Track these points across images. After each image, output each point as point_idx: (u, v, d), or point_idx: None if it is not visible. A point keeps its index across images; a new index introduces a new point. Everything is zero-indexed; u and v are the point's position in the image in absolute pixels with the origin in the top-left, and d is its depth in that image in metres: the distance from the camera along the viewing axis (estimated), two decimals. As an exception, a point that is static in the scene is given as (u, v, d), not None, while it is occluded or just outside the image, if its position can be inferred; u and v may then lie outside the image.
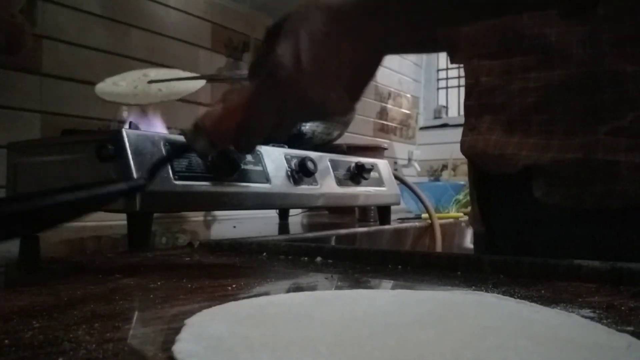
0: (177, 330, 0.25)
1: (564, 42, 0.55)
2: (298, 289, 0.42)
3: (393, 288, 0.42)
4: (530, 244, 0.61)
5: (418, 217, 1.38)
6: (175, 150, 0.50)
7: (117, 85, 0.82)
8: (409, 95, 2.41)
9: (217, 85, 1.35)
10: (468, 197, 1.57)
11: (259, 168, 0.80)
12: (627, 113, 0.53)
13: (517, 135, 0.59)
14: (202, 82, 0.92)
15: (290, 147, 0.91)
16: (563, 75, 0.56)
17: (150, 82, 0.85)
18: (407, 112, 2.40)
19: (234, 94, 0.47)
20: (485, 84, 0.63)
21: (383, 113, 2.21)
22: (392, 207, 1.14)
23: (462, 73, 0.70)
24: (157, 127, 0.85)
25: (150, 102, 0.84)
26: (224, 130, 0.45)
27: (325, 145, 1.08)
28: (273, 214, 1.31)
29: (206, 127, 0.45)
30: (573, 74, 0.55)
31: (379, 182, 1.07)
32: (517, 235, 0.63)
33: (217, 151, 0.50)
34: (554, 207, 0.57)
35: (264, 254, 0.58)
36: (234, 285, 0.40)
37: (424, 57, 2.51)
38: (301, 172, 0.87)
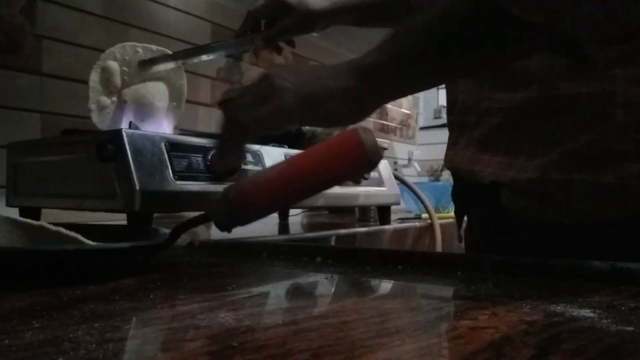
0: (177, 330, 0.25)
1: (525, 64, 0.56)
2: (298, 289, 0.42)
3: (393, 288, 0.42)
4: (500, 249, 0.62)
5: (418, 217, 1.38)
6: (199, 218, 0.52)
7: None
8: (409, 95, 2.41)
9: (218, 85, 1.35)
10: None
11: (258, 168, 0.80)
12: (581, 136, 0.54)
13: (488, 153, 0.61)
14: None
15: (290, 147, 0.91)
16: (524, 98, 0.57)
17: (141, 62, 0.85)
18: (407, 112, 2.40)
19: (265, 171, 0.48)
20: (462, 102, 0.65)
21: (383, 113, 2.21)
22: (392, 207, 1.14)
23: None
24: (162, 127, 0.85)
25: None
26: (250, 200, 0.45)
27: (325, 145, 1.07)
28: (273, 213, 1.30)
29: (231, 200, 0.45)
30: (533, 97, 0.57)
31: (379, 182, 1.07)
32: (491, 241, 0.65)
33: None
34: (517, 216, 0.59)
35: (264, 254, 0.58)
36: (234, 285, 0.40)
37: (424, 57, 2.50)
38: (301, 172, 0.87)
